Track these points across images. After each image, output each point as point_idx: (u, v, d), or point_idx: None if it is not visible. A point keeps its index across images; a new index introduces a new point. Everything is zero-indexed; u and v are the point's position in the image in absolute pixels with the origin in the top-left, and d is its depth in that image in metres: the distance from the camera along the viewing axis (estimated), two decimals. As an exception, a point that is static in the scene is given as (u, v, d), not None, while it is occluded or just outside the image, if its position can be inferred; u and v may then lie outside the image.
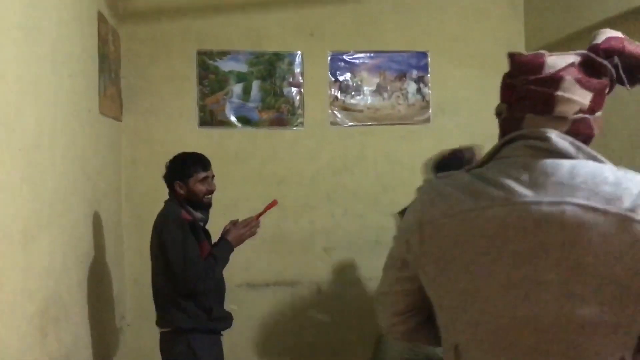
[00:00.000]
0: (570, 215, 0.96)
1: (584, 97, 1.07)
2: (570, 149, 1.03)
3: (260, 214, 2.61)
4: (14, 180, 1.63)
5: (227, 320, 2.55)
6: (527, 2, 3.87)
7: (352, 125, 3.72)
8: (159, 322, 2.46)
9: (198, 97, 3.54)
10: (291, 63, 3.64)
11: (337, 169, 3.71)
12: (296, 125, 3.66)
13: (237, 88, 3.57)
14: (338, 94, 3.70)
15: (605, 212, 0.95)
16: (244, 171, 3.61)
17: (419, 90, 3.77)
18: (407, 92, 3.76)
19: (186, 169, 2.46)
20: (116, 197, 3.25)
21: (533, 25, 3.83)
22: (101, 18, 2.87)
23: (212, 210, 3.34)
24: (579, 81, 1.07)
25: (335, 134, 3.72)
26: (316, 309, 3.67)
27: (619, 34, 1.12)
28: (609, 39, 1.11)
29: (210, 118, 3.55)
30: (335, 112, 3.70)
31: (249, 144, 3.63)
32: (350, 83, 3.71)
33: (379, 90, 3.74)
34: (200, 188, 2.46)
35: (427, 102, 3.79)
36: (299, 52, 3.65)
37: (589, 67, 1.09)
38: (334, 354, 3.64)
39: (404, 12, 3.77)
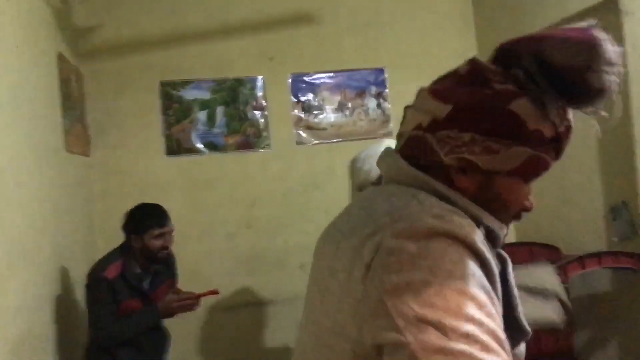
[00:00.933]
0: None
1: (435, 111, 0.88)
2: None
3: (201, 295, 2.57)
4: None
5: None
6: (477, 15, 4.02)
7: (317, 143, 3.83)
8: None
9: (164, 126, 3.62)
10: (253, 87, 3.74)
11: (307, 187, 3.80)
12: (263, 147, 3.75)
13: (202, 115, 3.66)
14: (302, 114, 3.81)
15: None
16: (216, 196, 3.69)
17: (379, 106, 3.89)
18: (368, 107, 3.88)
19: (141, 224, 2.46)
20: (89, 231, 3.30)
21: (484, 37, 3.98)
22: (62, 58, 2.94)
23: (187, 236, 3.45)
24: (432, 92, 0.90)
25: (303, 153, 3.82)
26: (295, 327, 3.74)
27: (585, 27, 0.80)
28: (528, 37, 0.85)
29: (177, 146, 3.63)
30: (300, 131, 3.81)
31: (218, 169, 3.71)
32: (313, 103, 3.82)
33: (340, 108, 3.85)
34: (155, 244, 2.46)
35: (388, 116, 3.91)
36: (260, 77, 3.75)
37: (473, 75, 0.89)
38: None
39: (360, 31, 3.90)
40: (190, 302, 2.50)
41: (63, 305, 2.51)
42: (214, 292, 2.62)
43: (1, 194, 1.88)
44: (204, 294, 2.57)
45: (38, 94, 2.47)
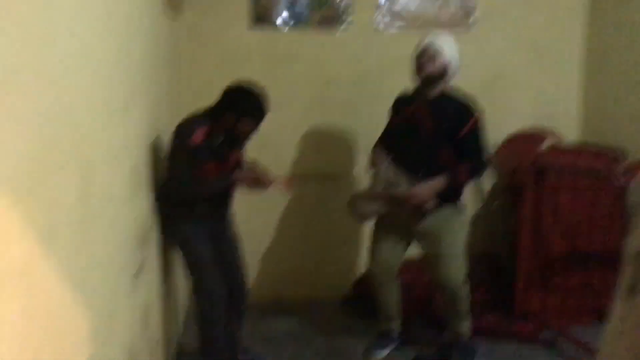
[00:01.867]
0: None
1: None
2: None
3: (273, 182, 2.64)
4: (115, 59, 1.88)
5: (216, 217, 2.77)
6: None
7: (397, 30, 3.86)
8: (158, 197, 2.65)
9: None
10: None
11: (382, 73, 3.88)
12: (344, 29, 3.81)
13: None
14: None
15: None
16: (293, 70, 3.83)
17: (464, -3, 3.86)
18: (452, -2, 3.86)
19: (246, 111, 2.55)
20: (176, 90, 3.50)
21: None
22: None
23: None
24: None
25: (381, 38, 3.87)
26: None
27: None
28: None
29: (263, 16, 3.71)
30: (382, 16, 3.84)
31: (298, 45, 3.81)
32: (397, -12, 3.82)
33: (424, -4, 3.84)
34: (246, 130, 2.59)
35: (472, 7, 3.88)
36: (348, -45, 3.75)
37: None
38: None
39: None
40: (262, 182, 2.62)
41: (152, 150, 2.71)
42: (288, 185, 2.75)
43: (126, 36, 2.05)
44: (277, 183, 2.67)
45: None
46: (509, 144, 3.86)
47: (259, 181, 2.61)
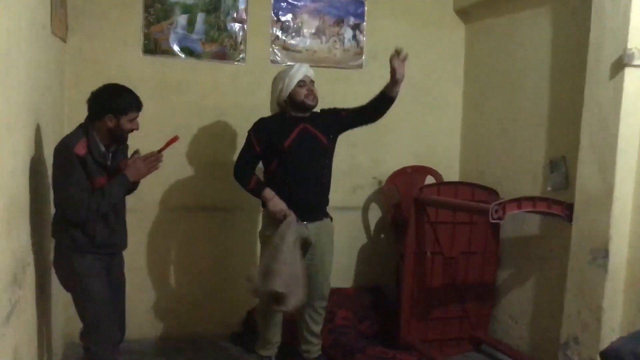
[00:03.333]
0: None
1: None
2: None
3: (162, 149, 2.61)
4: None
5: (114, 246, 2.65)
6: (457, -39, 4.18)
7: (290, 65, 3.93)
8: (52, 234, 2.58)
9: (143, 24, 3.64)
10: (236, -1, 3.79)
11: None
12: (238, 60, 3.84)
13: (182, 19, 3.70)
14: (279, 34, 3.91)
15: None
16: (185, 101, 3.78)
17: (354, 37, 4.04)
18: (344, 37, 4.02)
19: (123, 105, 2.47)
20: (59, 115, 3.34)
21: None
22: (53, -64, 2.90)
23: (153, 137, 3.54)
24: None
25: (275, 72, 3.91)
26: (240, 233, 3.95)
27: None
28: None
29: (154, 46, 3.67)
30: (276, 50, 3.91)
31: (191, 75, 3.78)
32: (292, 24, 3.92)
33: (317, 34, 3.97)
34: (129, 127, 2.50)
35: (361, 48, 4.07)
36: (244, -11, 3.80)
37: None
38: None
39: (346, -40, 3.98)
40: (154, 158, 2.55)
41: (39, 176, 2.59)
42: (174, 140, 2.63)
43: (4, 63, 1.94)
44: (165, 146, 2.61)
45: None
46: (393, 180, 4.04)
47: (150, 159, 2.54)
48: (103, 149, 2.50)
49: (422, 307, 3.68)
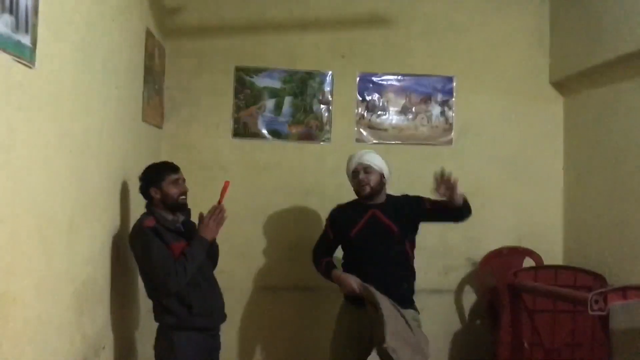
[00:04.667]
0: None
1: None
2: None
3: (220, 200, 2.63)
4: (63, 177, 1.89)
5: (213, 314, 2.65)
6: (553, 32, 4.00)
7: (376, 143, 3.92)
8: (155, 317, 2.61)
9: (233, 109, 3.81)
10: (322, 82, 3.87)
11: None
12: (323, 140, 3.88)
13: (270, 103, 3.83)
14: (365, 113, 3.91)
15: None
16: (273, 181, 3.85)
17: (442, 113, 3.95)
18: (432, 114, 3.95)
19: (158, 174, 2.58)
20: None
21: (557, 56, 3.95)
22: (149, 34, 3.16)
23: (241, 216, 3.63)
24: None
25: (361, 149, 3.90)
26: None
27: None
28: None
29: (243, 130, 3.81)
30: (361, 129, 3.91)
31: (278, 156, 3.87)
32: (377, 103, 3.92)
33: (404, 111, 3.94)
34: (174, 190, 2.57)
35: (450, 124, 3.96)
36: (329, 72, 3.88)
37: None
38: None
39: (432, 37, 3.97)
40: (218, 211, 2.58)
41: (122, 260, 2.71)
42: (226, 186, 2.66)
43: (82, 153, 2.08)
44: (221, 196, 2.63)
45: (124, 65, 2.68)
46: (489, 261, 3.79)
47: (215, 213, 2.57)
48: (170, 217, 2.59)
49: (522, 404, 3.32)
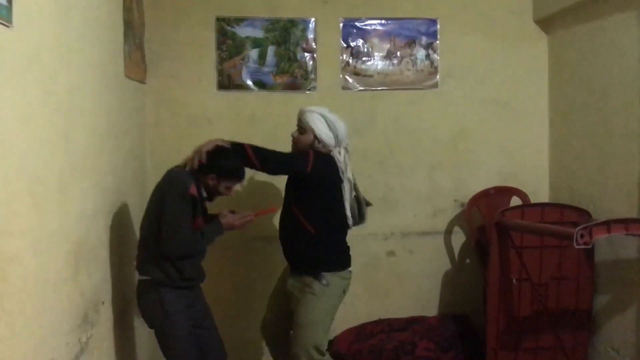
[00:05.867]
0: None
1: None
2: None
3: (259, 214, 2.80)
4: (50, 135, 1.89)
5: (197, 279, 2.78)
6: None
7: (362, 90, 3.91)
8: (138, 269, 2.68)
9: (216, 61, 3.76)
10: (305, 29, 3.82)
11: (348, 132, 3.89)
12: (309, 89, 3.86)
13: (253, 53, 3.78)
14: (350, 60, 3.88)
15: None
16: (259, 132, 3.84)
17: (427, 57, 3.93)
18: (416, 58, 3.92)
19: (227, 172, 2.66)
20: (141, 155, 3.51)
21: (541, -4, 3.92)
22: (126, -14, 3.08)
23: None
24: None
25: (347, 98, 3.91)
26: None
27: None
28: None
29: (227, 82, 3.78)
30: (347, 77, 3.89)
31: (264, 107, 3.85)
32: (362, 49, 3.89)
33: (389, 56, 3.91)
34: (224, 192, 2.69)
35: (436, 68, 3.95)
36: (312, 19, 3.83)
37: None
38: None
39: (415, -21, 3.90)
40: (249, 219, 2.75)
41: (115, 218, 2.74)
42: (273, 210, 2.86)
43: (67, 112, 2.06)
44: (261, 213, 2.81)
45: (103, 20, 2.62)
46: (476, 202, 3.85)
47: (246, 218, 2.75)
48: (205, 195, 2.70)
49: (511, 337, 3.45)
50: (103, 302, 2.47)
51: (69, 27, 2.10)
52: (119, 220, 2.82)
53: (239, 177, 2.70)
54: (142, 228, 2.68)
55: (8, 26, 1.56)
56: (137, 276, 2.69)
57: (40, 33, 1.81)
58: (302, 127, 2.99)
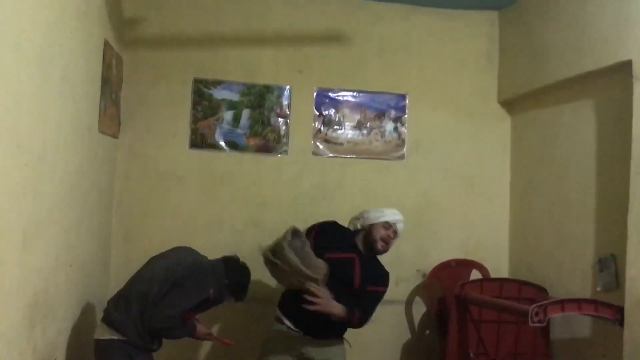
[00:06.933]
0: None
1: None
2: None
3: (215, 338, 3.10)
4: (18, 189, 1.90)
5: (159, 348, 2.86)
6: (502, 54, 4.18)
7: (332, 157, 4.01)
8: (110, 326, 2.60)
9: (191, 120, 3.84)
10: (280, 96, 3.94)
11: (316, 196, 3.98)
12: (280, 153, 3.95)
13: (228, 115, 3.87)
14: (321, 127, 4.00)
15: None
16: (229, 192, 3.89)
17: (395, 129, 4.07)
18: (385, 129, 4.06)
19: (237, 293, 2.94)
20: (107, 208, 3.51)
21: (505, 77, 4.14)
22: (107, 45, 3.16)
23: (197, 226, 3.74)
24: None
25: (317, 163, 4.00)
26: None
27: None
28: None
29: (200, 141, 3.84)
30: (318, 143, 4.00)
31: (235, 167, 3.90)
32: (334, 117, 4.02)
33: (359, 126, 4.04)
34: (220, 301, 2.89)
35: (403, 140, 4.09)
36: (288, 87, 3.96)
37: None
38: None
39: (388, 56, 4.09)
40: (209, 337, 3.01)
41: (78, 271, 2.71)
42: (229, 344, 3.03)
43: (39, 164, 2.09)
44: (219, 340, 3.09)
45: (82, 75, 2.68)
46: (438, 273, 3.92)
47: (209, 338, 3.02)
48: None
49: (468, 412, 3.45)
50: (55, 359, 2.41)
51: (48, 83, 2.15)
52: (82, 274, 2.79)
53: (244, 295, 2.99)
54: (129, 287, 2.68)
55: (-12, 83, 1.60)
56: (100, 334, 2.61)
57: (19, 89, 1.85)
58: (396, 234, 3.14)
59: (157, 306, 2.60)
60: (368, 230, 3.11)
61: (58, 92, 2.29)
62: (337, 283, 2.95)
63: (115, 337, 2.57)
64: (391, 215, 3.12)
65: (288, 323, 3.00)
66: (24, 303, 2.00)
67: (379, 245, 3.07)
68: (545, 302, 2.87)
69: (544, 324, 2.80)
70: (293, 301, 2.96)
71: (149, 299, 2.60)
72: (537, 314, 2.77)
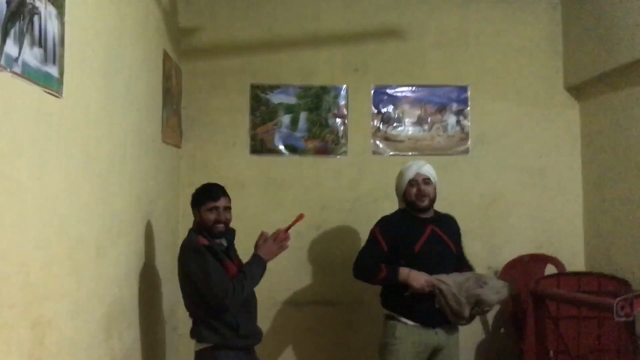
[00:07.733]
0: None
1: None
2: None
3: (289, 228, 2.62)
4: (90, 200, 1.94)
5: (255, 336, 2.61)
6: (567, 37, 4.00)
7: (393, 155, 3.93)
8: (195, 338, 2.51)
9: (250, 127, 3.85)
10: (336, 96, 3.90)
11: (378, 196, 3.90)
12: (340, 154, 3.91)
13: (286, 119, 3.87)
14: (380, 125, 3.94)
15: None
16: (290, 196, 3.88)
17: (458, 122, 3.96)
18: (447, 123, 3.96)
19: (198, 199, 2.59)
20: (174, 217, 3.56)
21: (571, 62, 3.95)
22: (166, 55, 3.22)
23: (259, 231, 3.69)
24: None
25: (377, 163, 3.94)
26: (354, 329, 3.86)
27: None
28: None
29: (260, 146, 3.85)
30: (378, 142, 3.93)
31: (295, 171, 3.89)
32: (392, 115, 3.94)
33: (419, 122, 3.95)
34: (209, 217, 2.53)
35: (466, 133, 3.97)
36: (344, 86, 3.92)
37: None
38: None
39: (445, 47, 3.98)
40: (283, 237, 2.57)
41: (148, 280, 2.75)
42: (300, 218, 2.65)
43: (108, 175, 2.12)
44: (291, 225, 2.63)
45: (144, 87, 2.73)
46: (510, 269, 3.77)
47: (279, 238, 2.57)
48: (218, 241, 2.56)
49: (550, 413, 3.29)
50: (133, 367, 2.45)
51: (113, 96, 2.20)
52: (152, 282, 2.83)
53: (210, 196, 2.56)
54: (185, 306, 2.58)
55: (58, 97, 1.63)
56: (194, 346, 2.54)
57: (86, 103, 1.89)
58: (430, 179, 2.97)
59: (202, 300, 2.42)
60: (405, 199, 2.99)
61: (122, 104, 2.33)
62: (443, 260, 2.91)
63: (202, 347, 2.48)
64: (407, 171, 2.96)
65: (411, 323, 2.86)
66: (100, 312, 2.04)
67: (420, 203, 2.92)
68: (631, 294, 2.70)
69: (631, 318, 2.64)
70: (413, 300, 2.83)
71: (190, 301, 2.50)
72: (622, 307, 2.61)
